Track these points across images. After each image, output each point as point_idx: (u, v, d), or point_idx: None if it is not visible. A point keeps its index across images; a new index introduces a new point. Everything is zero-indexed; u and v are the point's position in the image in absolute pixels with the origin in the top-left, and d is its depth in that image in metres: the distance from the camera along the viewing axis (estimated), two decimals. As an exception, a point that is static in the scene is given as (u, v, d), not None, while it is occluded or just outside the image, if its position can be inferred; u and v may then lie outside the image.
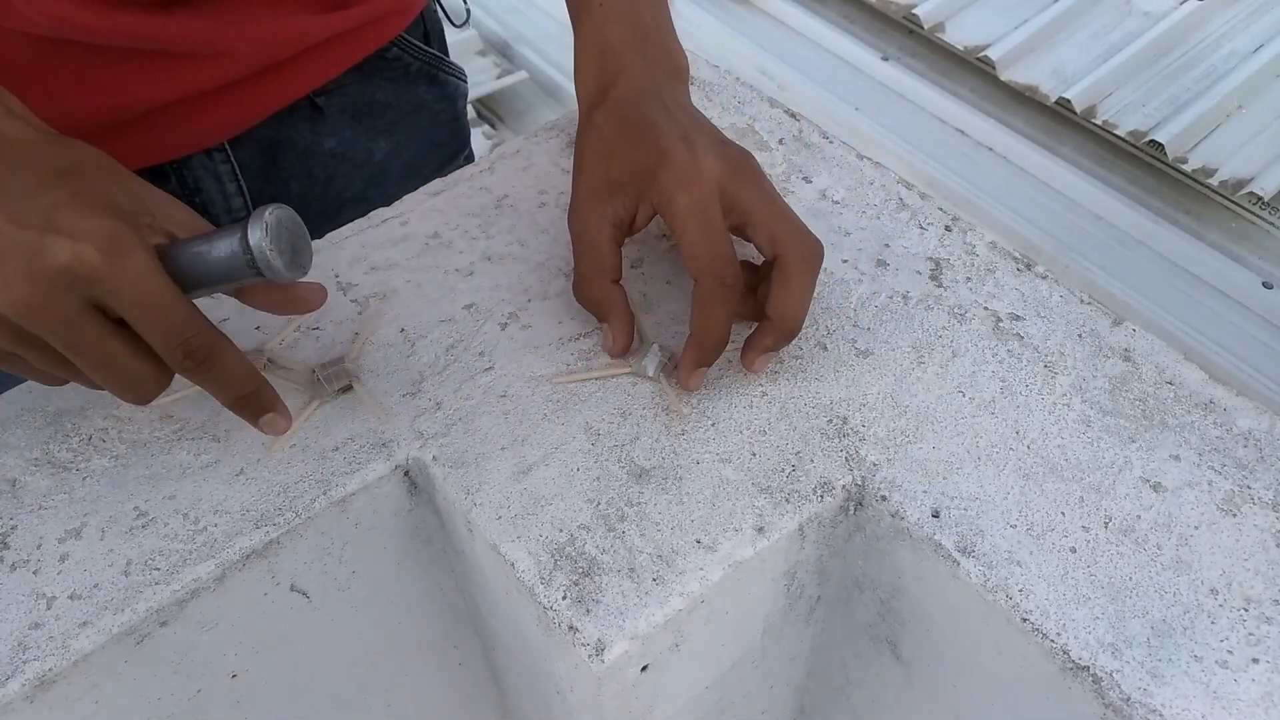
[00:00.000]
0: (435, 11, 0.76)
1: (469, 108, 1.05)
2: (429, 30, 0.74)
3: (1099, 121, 1.29)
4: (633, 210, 0.48)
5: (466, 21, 0.80)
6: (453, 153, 0.78)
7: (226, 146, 0.64)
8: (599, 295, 0.48)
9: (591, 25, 0.53)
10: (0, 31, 0.52)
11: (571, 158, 0.59)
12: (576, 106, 0.54)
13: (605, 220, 0.47)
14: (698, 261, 0.45)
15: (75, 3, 0.51)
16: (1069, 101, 1.29)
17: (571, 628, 0.40)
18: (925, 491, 0.44)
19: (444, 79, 0.75)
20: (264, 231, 0.39)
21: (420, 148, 0.75)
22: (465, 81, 0.78)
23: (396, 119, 0.72)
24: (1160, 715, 0.37)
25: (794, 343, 0.49)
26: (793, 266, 0.45)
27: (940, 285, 0.52)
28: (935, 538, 0.42)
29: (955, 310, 0.51)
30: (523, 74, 1.84)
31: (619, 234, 0.48)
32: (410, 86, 0.72)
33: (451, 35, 0.78)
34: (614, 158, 0.48)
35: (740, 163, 0.47)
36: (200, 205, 0.65)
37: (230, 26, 0.57)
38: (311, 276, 0.53)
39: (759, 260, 0.50)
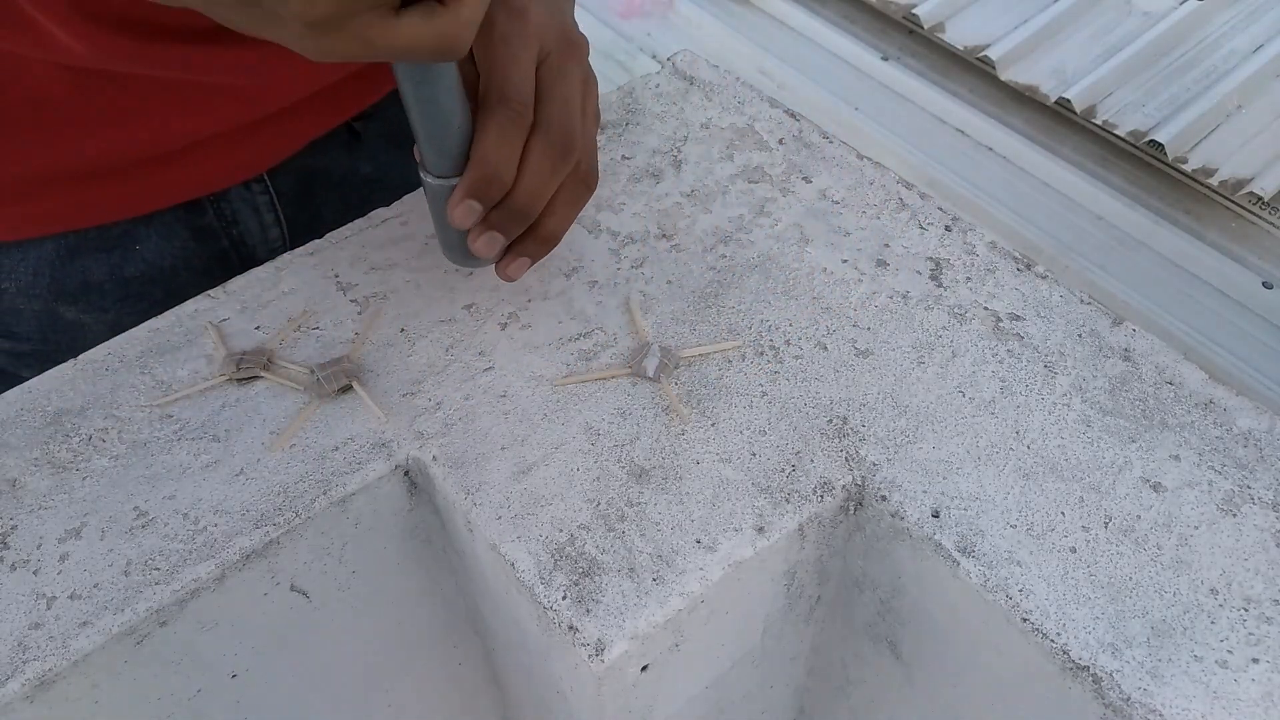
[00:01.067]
0: None
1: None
2: None
3: (1099, 121, 1.28)
4: None
5: None
6: None
7: (265, 177, 0.63)
8: None
9: None
10: (41, 65, 0.50)
11: None
12: None
13: None
14: (497, 86, 0.42)
15: (113, 30, 0.49)
16: (1069, 101, 1.29)
17: (571, 628, 0.40)
18: (925, 491, 0.44)
19: None
20: None
21: None
22: None
23: None
24: (1160, 715, 0.37)
25: (794, 343, 0.49)
26: (567, 186, 0.44)
27: (940, 285, 0.52)
28: (935, 538, 0.42)
29: (955, 310, 0.51)
30: (523, 74, 1.83)
31: None
32: None
33: None
34: None
35: (573, 42, 0.44)
36: (238, 236, 0.64)
37: (273, 54, 0.55)
38: (310, 276, 0.53)
39: None
